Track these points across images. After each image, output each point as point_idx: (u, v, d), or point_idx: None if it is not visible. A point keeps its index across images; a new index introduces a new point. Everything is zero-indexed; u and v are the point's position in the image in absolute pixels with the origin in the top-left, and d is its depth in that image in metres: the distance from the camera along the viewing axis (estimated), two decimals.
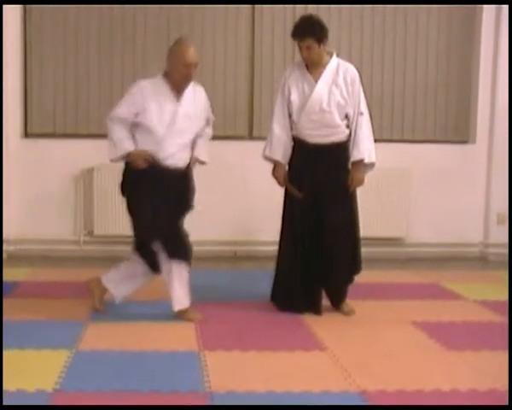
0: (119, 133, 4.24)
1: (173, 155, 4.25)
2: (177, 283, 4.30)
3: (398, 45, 6.51)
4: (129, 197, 4.33)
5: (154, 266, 4.36)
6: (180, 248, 4.30)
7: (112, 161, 4.32)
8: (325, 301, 4.60)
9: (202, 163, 4.45)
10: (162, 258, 4.29)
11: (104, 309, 4.46)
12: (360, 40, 6.45)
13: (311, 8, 6.09)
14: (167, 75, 4.26)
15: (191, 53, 4.18)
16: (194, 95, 4.33)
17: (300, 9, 6.13)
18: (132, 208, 4.31)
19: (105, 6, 6.20)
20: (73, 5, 6.17)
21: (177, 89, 4.25)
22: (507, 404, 3.12)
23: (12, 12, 6.06)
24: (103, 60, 6.29)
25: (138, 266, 4.41)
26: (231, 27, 6.35)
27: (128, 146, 4.22)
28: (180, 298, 4.33)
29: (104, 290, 4.48)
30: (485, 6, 6.46)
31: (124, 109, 4.23)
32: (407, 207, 6.50)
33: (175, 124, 4.23)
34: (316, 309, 4.50)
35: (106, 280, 4.46)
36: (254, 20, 6.36)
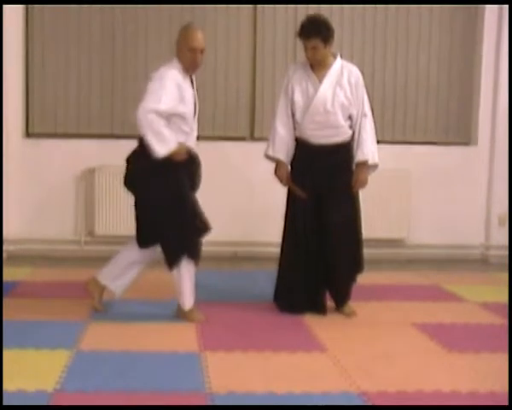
0: (166, 128, 4.05)
1: (194, 139, 4.29)
2: (189, 282, 4.30)
3: (400, 45, 6.49)
4: (161, 192, 4.15)
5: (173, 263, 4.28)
6: (197, 247, 4.30)
7: (162, 156, 4.04)
8: (327, 303, 4.60)
9: None
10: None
11: (104, 309, 4.45)
12: (362, 40, 6.44)
13: (313, 8, 6.08)
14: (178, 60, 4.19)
15: (197, 37, 4.12)
16: None
17: (302, 9, 6.12)
18: (171, 203, 4.14)
19: (106, 6, 6.19)
20: (75, 5, 6.17)
21: (188, 74, 4.21)
22: (507, 405, 3.12)
23: (14, 11, 6.06)
24: (105, 60, 6.28)
25: (134, 253, 4.37)
26: (233, 28, 6.34)
27: (175, 140, 4.09)
28: (190, 298, 4.34)
29: (103, 289, 4.46)
30: (487, 6, 6.44)
31: (166, 103, 4.02)
32: (408, 209, 6.49)
33: (196, 110, 4.25)
34: (320, 309, 4.50)
35: (102, 277, 4.43)
36: (256, 21, 6.35)
